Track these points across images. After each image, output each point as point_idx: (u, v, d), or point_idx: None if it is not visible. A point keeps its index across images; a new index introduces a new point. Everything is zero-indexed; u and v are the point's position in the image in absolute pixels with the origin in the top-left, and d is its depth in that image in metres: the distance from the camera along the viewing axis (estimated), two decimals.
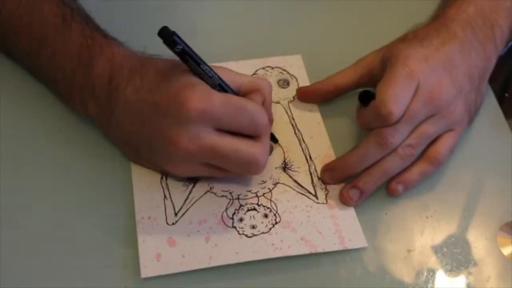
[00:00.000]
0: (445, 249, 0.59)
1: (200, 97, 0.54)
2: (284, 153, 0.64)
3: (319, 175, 0.62)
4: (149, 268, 0.56)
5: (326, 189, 0.61)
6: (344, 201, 0.60)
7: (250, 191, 0.61)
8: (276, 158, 0.63)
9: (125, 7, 0.75)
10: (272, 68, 0.70)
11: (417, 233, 0.60)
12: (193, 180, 0.61)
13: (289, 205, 0.60)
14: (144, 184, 0.61)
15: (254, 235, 0.58)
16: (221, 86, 0.57)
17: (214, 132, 0.55)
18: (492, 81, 0.69)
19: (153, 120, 0.56)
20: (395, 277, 0.57)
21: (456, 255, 0.58)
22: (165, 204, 0.60)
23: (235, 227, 0.58)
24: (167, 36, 0.53)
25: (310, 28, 0.75)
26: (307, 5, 0.75)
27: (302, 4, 0.76)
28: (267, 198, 0.61)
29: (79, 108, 0.61)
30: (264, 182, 0.62)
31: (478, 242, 0.59)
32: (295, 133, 0.66)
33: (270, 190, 0.61)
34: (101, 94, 0.59)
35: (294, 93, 0.69)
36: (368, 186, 0.60)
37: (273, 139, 0.64)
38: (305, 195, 0.61)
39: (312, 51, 0.71)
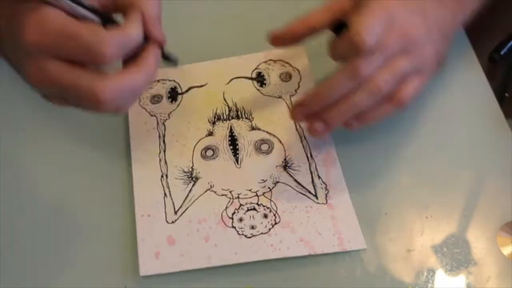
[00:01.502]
0: (445, 249, 0.59)
1: (34, 27, 0.51)
2: (285, 150, 0.64)
3: (319, 174, 0.62)
4: (148, 266, 0.56)
5: (326, 189, 0.61)
6: (310, 132, 0.60)
7: (250, 190, 0.61)
8: (277, 156, 0.63)
9: None
10: (275, 61, 0.70)
11: (417, 233, 0.60)
12: (193, 179, 0.61)
13: (289, 205, 0.60)
14: (144, 182, 0.61)
15: (254, 235, 0.58)
16: (79, 11, 0.52)
17: (54, 61, 0.51)
18: (492, 81, 0.69)
19: (6, 41, 0.53)
20: (395, 277, 0.57)
21: (456, 255, 0.58)
22: (165, 202, 0.60)
23: (234, 227, 0.58)
24: None
25: None
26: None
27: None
28: (267, 198, 0.61)
29: None
30: (265, 181, 0.62)
31: (478, 242, 0.59)
32: (297, 129, 0.65)
33: (270, 190, 0.61)
34: None
35: (296, 86, 0.68)
36: (334, 118, 0.60)
37: (169, 59, 0.58)
38: (305, 195, 0.61)
39: (316, 43, 0.71)
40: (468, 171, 0.64)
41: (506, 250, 0.58)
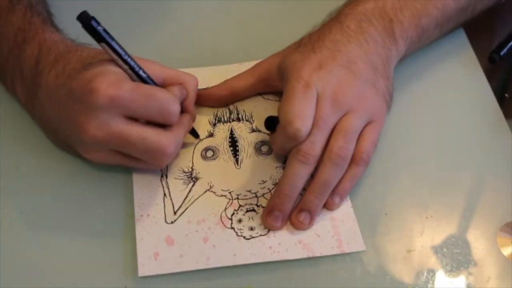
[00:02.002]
0: (445, 249, 0.59)
1: (110, 84, 0.54)
2: None
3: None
4: (146, 266, 0.56)
5: None
6: (297, 227, 0.58)
7: (249, 191, 0.61)
8: (277, 157, 0.63)
9: (124, 7, 0.75)
10: None
11: (417, 233, 0.59)
12: (192, 179, 0.61)
13: None
14: (144, 182, 0.61)
15: (252, 237, 0.58)
16: (141, 77, 0.57)
17: (123, 119, 0.55)
18: (492, 81, 0.69)
19: (67, 106, 0.56)
20: (395, 277, 0.57)
21: (456, 255, 0.58)
22: (164, 203, 0.60)
23: (233, 228, 0.58)
24: (86, 20, 0.53)
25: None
26: (315, 7, 0.75)
27: (309, 6, 0.76)
28: (266, 199, 0.60)
29: (10, 89, 0.63)
30: (264, 182, 0.62)
31: (478, 242, 0.59)
32: None
33: (270, 191, 0.61)
34: (27, 77, 0.60)
35: None
36: (314, 204, 0.58)
37: (194, 134, 0.64)
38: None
39: None
40: (468, 171, 0.64)
41: (506, 251, 0.58)
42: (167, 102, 0.56)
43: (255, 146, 0.64)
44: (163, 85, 0.59)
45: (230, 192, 0.61)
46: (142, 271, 0.55)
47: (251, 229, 0.58)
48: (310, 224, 0.59)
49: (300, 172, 0.58)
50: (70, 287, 0.55)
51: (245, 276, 0.56)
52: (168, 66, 0.60)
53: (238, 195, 0.60)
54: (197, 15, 0.76)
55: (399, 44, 0.65)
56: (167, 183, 0.61)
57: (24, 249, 0.57)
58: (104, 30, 0.54)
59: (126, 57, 0.56)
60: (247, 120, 0.66)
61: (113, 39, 0.55)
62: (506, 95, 0.76)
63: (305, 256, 0.57)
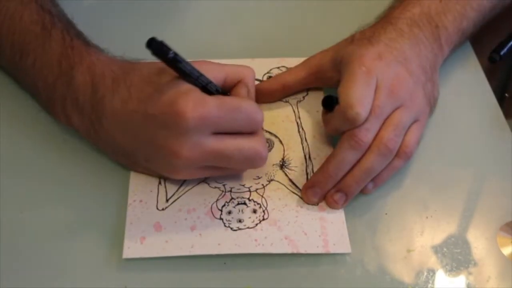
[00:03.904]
0: (445, 249, 0.59)
1: (195, 104, 0.53)
2: (284, 150, 0.64)
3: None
4: (132, 249, 0.56)
5: None
6: (330, 205, 0.60)
7: (243, 185, 0.61)
8: (275, 155, 0.63)
9: (129, 6, 0.75)
10: (286, 68, 0.70)
11: (417, 233, 0.60)
12: None
13: (280, 203, 0.60)
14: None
15: (240, 228, 0.58)
16: (207, 88, 0.56)
17: (213, 136, 0.55)
18: (492, 81, 0.68)
19: (148, 132, 0.55)
20: (395, 277, 0.57)
21: (456, 255, 0.58)
22: (158, 190, 0.60)
23: (222, 219, 0.59)
24: (157, 47, 0.51)
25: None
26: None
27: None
28: (259, 194, 0.61)
29: (63, 119, 0.61)
30: (259, 178, 0.62)
31: (478, 242, 0.59)
32: (299, 131, 0.66)
33: (264, 186, 0.61)
34: (85, 106, 0.58)
35: (304, 94, 0.69)
36: (353, 188, 0.59)
37: None
38: (297, 194, 0.61)
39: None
40: (468, 171, 0.64)
41: (506, 250, 0.59)
42: (253, 111, 0.56)
43: None
44: (225, 85, 0.59)
45: (224, 185, 0.61)
46: (127, 253, 0.56)
47: (240, 221, 0.59)
48: (343, 206, 0.60)
49: (349, 157, 0.59)
50: (70, 287, 0.55)
51: (245, 276, 0.56)
52: (224, 63, 0.59)
53: (231, 188, 0.61)
54: (208, 11, 0.76)
55: (444, 50, 0.67)
56: None
57: (22, 248, 0.57)
58: (175, 54, 0.52)
59: (194, 72, 0.55)
60: None
61: (183, 60, 0.53)
62: (506, 95, 0.76)
63: (289, 251, 0.57)
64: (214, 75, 0.57)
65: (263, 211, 0.60)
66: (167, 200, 0.60)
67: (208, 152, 0.55)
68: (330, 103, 0.61)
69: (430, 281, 0.57)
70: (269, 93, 0.67)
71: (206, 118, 0.53)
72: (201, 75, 0.55)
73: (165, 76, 0.55)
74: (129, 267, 0.56)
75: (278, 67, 0.70)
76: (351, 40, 0.64)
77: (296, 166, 0.63)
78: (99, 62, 0.59)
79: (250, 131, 0.57)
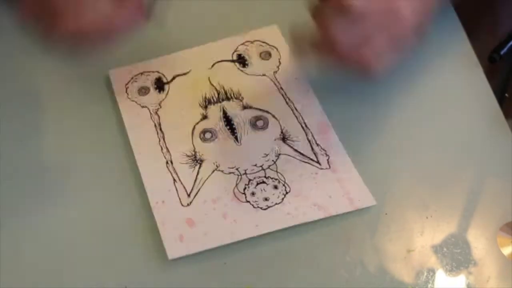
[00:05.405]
0: (445, 249, 0.59)
1: None
2: (280, 124, 0.65)
3: (317, 141, 0.63)
4: (174, 249, 0.56)
5: (326, 154, 0.63)
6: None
7: (255, 165, 0.62)
8: (273, 130, 0.65)
9: None
10: (252, 42, 0.72)
11: (417, 233, 0.60)
12: (197, 161, 0.62)
13: (296, 174, 0.61)
14: (152, 171, 0.62)
15: (269, 206, 0.59)
16: None
17: None
18: (492, 81, 0.68)
19: None
20: (395, 277, 0.57)
21: (456, 255, 0.58)
22: (176, 187, 0.61)
23: (248, 202, 0.60)
24: None
25: None
26: None
27: None
28: (273, 170, 0.62)
29: None
30: (267, 155, 0.63)
31: (478, 242, 0.59)
32: (287, 102, 0.67)
33: (274, 162, 0.62)
34: None
35: (277, 63, 0.70)
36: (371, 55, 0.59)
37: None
38: (308, 163, 0.62)
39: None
40: (468, 171, 0.64)
41: (506, 250, 0.59)
42: None
43: (250, 122, 0.65)
44: None
45: (237, 169, 0.62)
46: (171, 254, 0.56)
47: (266, 199, 0.60)
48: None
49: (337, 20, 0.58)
50: (71, 287, 0.55)
51: (245, 276, 0.56)
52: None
53: (245, 170, 0.62)
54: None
55: None
56: (174, 168, 0.62)
57: (26, 248, 0.57)
58: None
59: None
60: (236, 98, 0.67)
61: None
62: (506, 95, 0.76)
63: (322, 216, 0.58)
64: None
65: (284, 185, 0.61)
66: (188, 195, 0.60)
67: None
68: None
69: (430, 281, 0.57)
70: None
71: None
72: None
73: None
74: (128, 267, 0.56)
75: (243, 43, 0.71)
76: None
77: (297, 136, 0.64)
78: None
79: None
